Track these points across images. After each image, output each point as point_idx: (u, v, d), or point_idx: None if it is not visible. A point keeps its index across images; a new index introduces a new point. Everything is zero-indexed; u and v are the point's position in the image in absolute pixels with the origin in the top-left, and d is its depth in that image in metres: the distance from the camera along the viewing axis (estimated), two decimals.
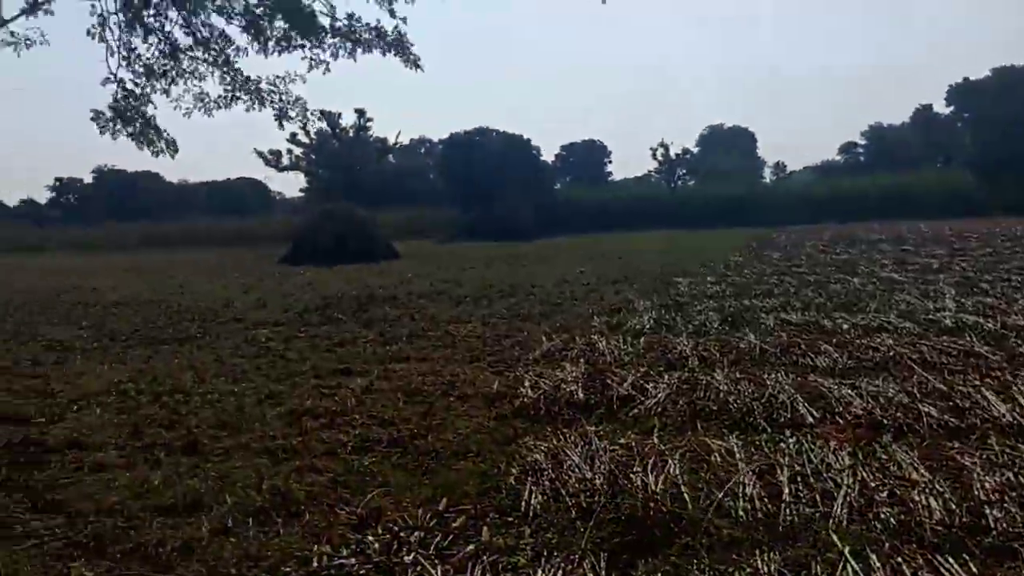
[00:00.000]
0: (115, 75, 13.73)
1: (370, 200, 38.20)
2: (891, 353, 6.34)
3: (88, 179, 73.82)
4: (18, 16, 13.15)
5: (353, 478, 4.00)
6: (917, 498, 3.31)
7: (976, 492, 3.38)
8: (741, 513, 3.30)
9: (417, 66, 13.45)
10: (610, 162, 71.91)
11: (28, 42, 13.34)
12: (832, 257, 17.41)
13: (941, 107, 57.88)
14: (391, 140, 48.84)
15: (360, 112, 46.04)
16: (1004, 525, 3.07)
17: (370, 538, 3.21)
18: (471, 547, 3.11)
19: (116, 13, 13.27)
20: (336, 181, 43.38)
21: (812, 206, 42.12)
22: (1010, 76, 40.27)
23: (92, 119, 14.04)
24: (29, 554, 3.23)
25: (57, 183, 75.38)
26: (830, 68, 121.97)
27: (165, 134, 14.33)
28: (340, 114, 44.53)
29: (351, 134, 45.97)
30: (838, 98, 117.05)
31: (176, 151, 14.44)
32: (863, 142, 71.33)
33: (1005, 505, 3.22)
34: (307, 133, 43.04)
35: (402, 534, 3.23)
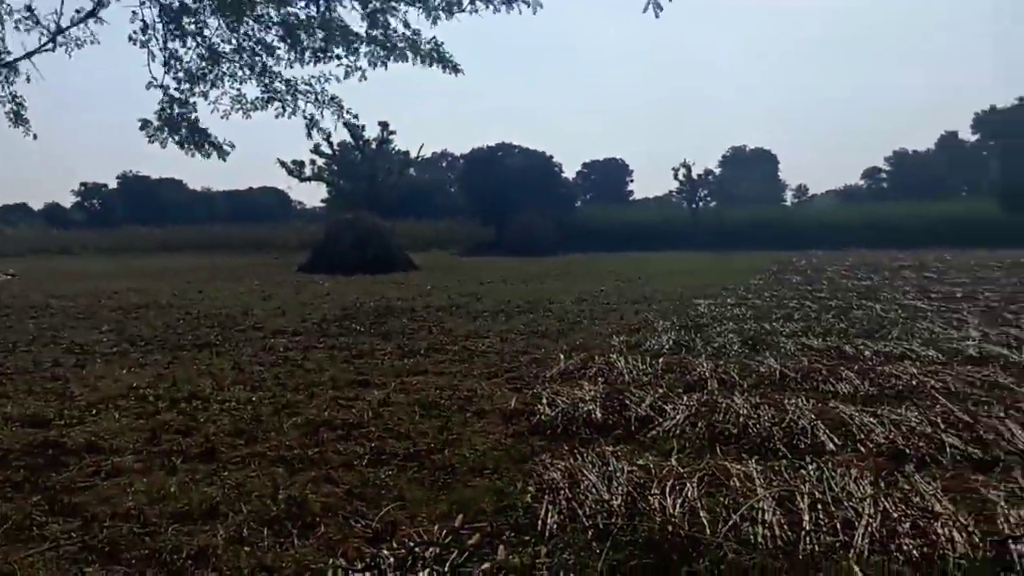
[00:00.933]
0: (157, 80, 13.89)
1: (391, 212, 38.42)
2: (914, 382, 6.26)
3: (113, 184, 74.90)
4: (71, 27, 13.37)
5: (369, 491, 3.99)
6: (940, 531, 3.25)
7: (1001, 526, 3.32)
8: (760, 540, 3.25)
9: (456, 70, 13.55)
10: (632, 181, 72.15)
11: (79, 42, 13.53)
12: (854, 283, 17.28)
13: (967, 135, 57.61)
14: (413, 153, 48.99)
15: (383, 125, 46.25)
16: None
17: (385, 552, 3.19)
18: (486, 565, 3.08)
19: (158, 22, 13.45)
20: (357, 192, 43.59)
21: (834, 231, 41.97)
22: None
23: (140, 128, 14.21)
24: (44, 557, 3.23)
25: (82, 188, 76.45)
26: (853, 91, 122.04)
27: (213, 137, 14.47)
28: (363, 126, 44.77)
29: (374, 146, 46.17)
30: (862, 122, 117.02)
31: (226, 154, 14.56)
32: (887, 168, 71.14)
33: None
34: (331, 144, 43.37)
35: (417, 549, 3.20)
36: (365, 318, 11.64)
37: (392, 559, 3.12)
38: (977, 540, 3.17)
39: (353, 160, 46.40)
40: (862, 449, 4.56)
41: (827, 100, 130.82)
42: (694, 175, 54.98)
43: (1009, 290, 14.45)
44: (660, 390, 6.05)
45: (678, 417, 5.23)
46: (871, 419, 5.04)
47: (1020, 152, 39.23)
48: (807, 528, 3.34)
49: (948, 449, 4.46)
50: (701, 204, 56.33)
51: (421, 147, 48.26)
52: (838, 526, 3.36)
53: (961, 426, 4.89)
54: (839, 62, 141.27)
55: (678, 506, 3.55)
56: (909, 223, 41.67)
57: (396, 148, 48.82)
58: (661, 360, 7.42)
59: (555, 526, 3.44)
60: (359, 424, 5.31)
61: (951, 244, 34.17)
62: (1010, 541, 3.14)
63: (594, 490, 3.80)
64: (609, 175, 70.63)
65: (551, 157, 53.59)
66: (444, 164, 75.66)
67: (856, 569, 2.95)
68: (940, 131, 68.59)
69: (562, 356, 7.82)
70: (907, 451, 4.47)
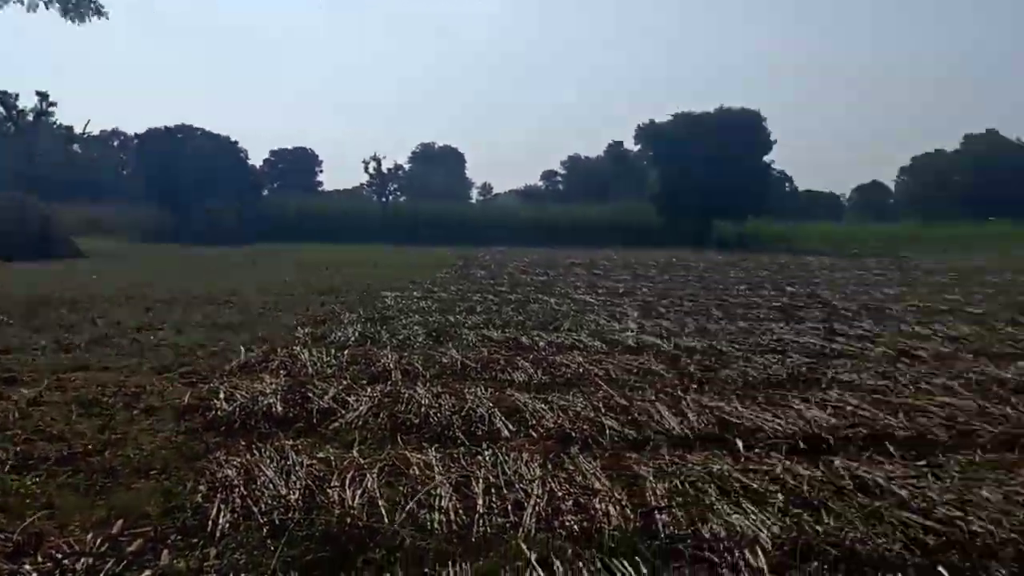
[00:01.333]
0: None
1: (52, 193, 34.68)
2: (580, 370, 6.75)
3: None
4: None
5: (11, 500, 3.55)
6: (598, 506, 3.53)
7: (648, 498, 3.67)
8: (436, 526, 3.33)
9: (100, 13, 12.28)
10: (321, 171, 71.28)
11: None
12: (532, 278, 18.31)
13: (631, 144, 63.41)
14: (78, 129, 44.58)
15: (43, 95, 41.56)
16: (671, 528, 3.35)
17: (27, 567, 2.85)
18: (147, 572, 2.86)
19: None
20: (10, 170, 38.83)
21: (516, 229, 44.25)
22: (688, 121, 44.84)
23: None
24: None
25: None
26: (536, 96, 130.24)
27: None
28: (17, 95, 39.94)
29: (30, 119, 41.35)
30: (542, 126, 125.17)
31: None
32: (562, 171, 76.65)
33: (672, 510, 3.52)
34: None
35: (66, 561, 2.90)
36: (15, 309, 10.38)
37: (36, 574, 2.80)
38: (629, 513, 3.48)
39: (5, 133, 41.25)
40: (534, 434, 4.83)
41: (509, 105, 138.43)
42: (384, 169, 55.33)
43: (662, 286, 16.08)
44: (344, 382, 6.01)
45: (361, 408, 5.22)
46: (543, 405, 5.36)
47: (672, 163, 43.82)
48: (481, 511, 3.47)
49: (607, 431, 4.86)
50: (391, 198, 56.88)
51: (87, 123, 44.32)
52: (509, 508, 3.53)
53: (619, 410, 5.34)
54: (524, 69, 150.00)
55: (357, 497, 3.54)
56: (581, 223, 45.12)
57: (58, 122, 44.16)
58: (346, 352, 7.37)
59: (227, 525, 3.29)
60: (2, 427, 4.73)
61: (616, 244, 37.49)
62: (655, 511, 3.49)
63: (271, 486, 3.68)
64: (298, 164, 69.15)
65: (236, 142, 51.26)
66: (116, 143, 69.62)
67: (524, 547, 3.11)
68: (609, 139, 74.96)
69: (243, 349, 7.50)
70: (573, 434, 4.81)
